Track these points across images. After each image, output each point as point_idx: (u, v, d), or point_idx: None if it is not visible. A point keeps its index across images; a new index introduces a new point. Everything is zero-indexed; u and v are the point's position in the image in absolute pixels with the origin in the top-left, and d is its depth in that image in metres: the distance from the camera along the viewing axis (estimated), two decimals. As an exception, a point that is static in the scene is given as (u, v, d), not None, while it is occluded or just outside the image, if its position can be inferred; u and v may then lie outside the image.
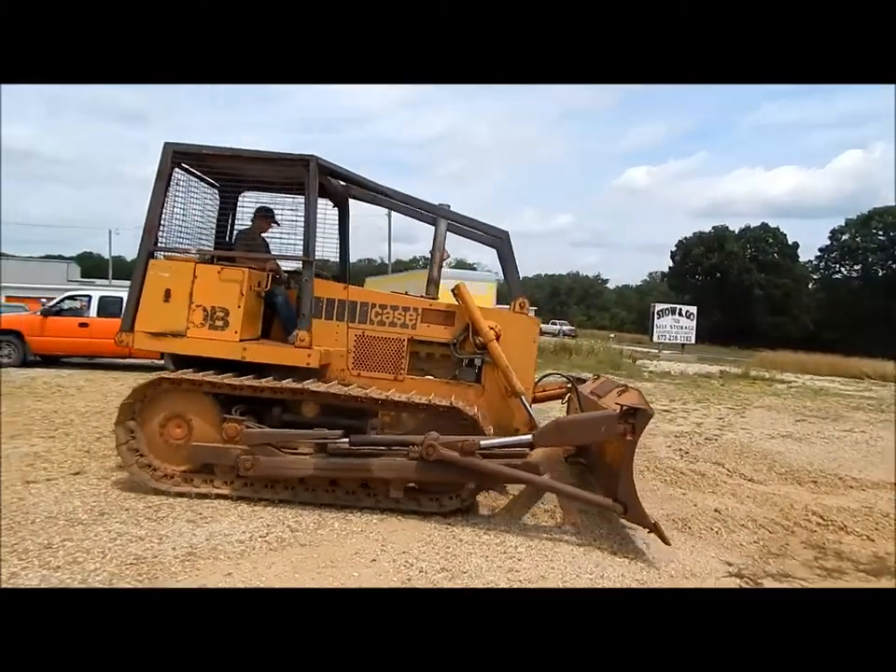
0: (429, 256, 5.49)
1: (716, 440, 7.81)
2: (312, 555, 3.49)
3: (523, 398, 4.84)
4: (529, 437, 4.26)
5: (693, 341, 31.68)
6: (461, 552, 3.68)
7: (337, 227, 5.64)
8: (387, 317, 4.96)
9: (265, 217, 5.18)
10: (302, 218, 4.74)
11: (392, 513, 4.25)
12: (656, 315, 30.65)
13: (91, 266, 60.50)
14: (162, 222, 4.72)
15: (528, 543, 3.89)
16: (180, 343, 4.51)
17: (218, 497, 4.26)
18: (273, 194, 5.22)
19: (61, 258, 64.18)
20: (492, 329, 4.88)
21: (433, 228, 5.34)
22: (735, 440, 8.01)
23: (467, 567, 3.45)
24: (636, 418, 3.81)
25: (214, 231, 5.23)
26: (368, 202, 5.42)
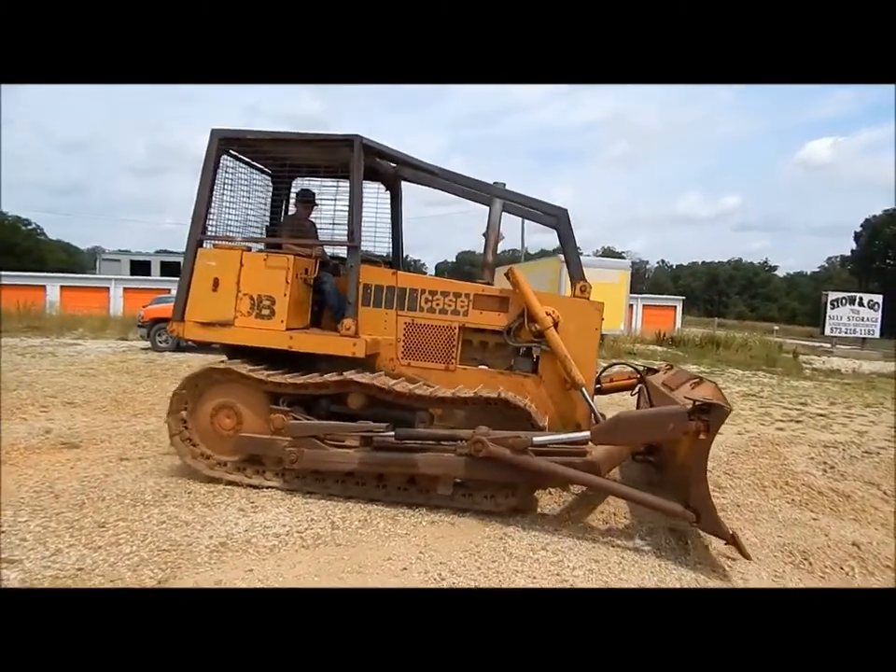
0: (484, 238, 5.04)
1: (878, 454, 6.40)
2: (342, 557, 3.28)
3: (583, 389, 4.40)
4: (587, 433, 3.83)
5: (878, 335, 27.17)
6: (507, 569, 3.25)
7: (389, 211, 5.46)
8: (437, 304, 4.68)
9: (304, 200, 5.08)
10: (344, 203, 4.57)
11: (447, 515, 3.94)
12: (829, 306, 26.67)
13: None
14: (211, 210, 4.74)
15: (591, 566, 3.34)
16: (228, 333, 4.51)
17: (270, 488, 4.21)
18: (323, 179, 5.09)
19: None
20: (549, 315, 4.47)
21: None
22: (908, 454, 6.54)
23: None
24: (710, 414, 3.35)
25: (263, 219, 5.22)
26: (419, 183, 5.12)
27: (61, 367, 10.15)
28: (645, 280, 76.75)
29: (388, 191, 5.45)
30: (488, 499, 3.99)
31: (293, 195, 5.32)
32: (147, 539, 3.32)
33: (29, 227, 53.94)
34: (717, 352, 18.39)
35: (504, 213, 4.88)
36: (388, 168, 5.12)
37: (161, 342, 13.10)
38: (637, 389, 5.43)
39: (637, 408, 5.47)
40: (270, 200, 5.36)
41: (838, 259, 65.00)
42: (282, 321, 4.42)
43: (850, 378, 14.88)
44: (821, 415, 8.94)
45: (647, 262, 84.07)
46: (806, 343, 27.01)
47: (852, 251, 54.18)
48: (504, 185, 4.92)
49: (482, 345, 4.77)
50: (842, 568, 3.58)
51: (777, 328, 34.17)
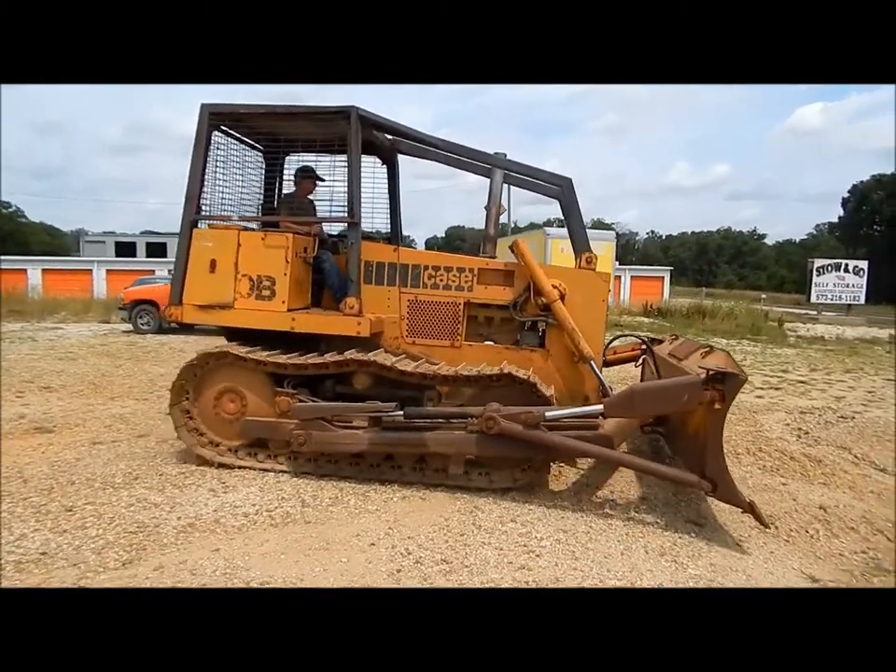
0: (486, 211, 4.98)
1: (853, 418, 6.48)
2: (310, 534, 3.29)
3: (592, 363, 4.35)
4: (600, 407, 3.80)
5: (863, 301, 27.32)
6: (475, 541, 3.27)
7: (387, 185, 5.34)
8: (441, 280, 4.60)
9: (307, 176, 4.94)
10: (342, 179, 4.46)
11: (419, 490, 3.95)
12: (815, 273, 26.70)
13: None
14: (204, 189, 4.62)
15: (558, 536, 3.38)
16: (228, 315, 4.41)
17: (282, 472, 4.18)
18: (318, 154, 4.95)
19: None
20: (556, 287, 4.40)
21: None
22: (881, 418, 6.61)
23: (471, 561, 3.04)
24: (724, 383, 3.32)
25: (258, 197, 5.12)
26: (416, 156, 5.02)
27: (40, 351, 10.05)
28: (635, 251, 76.56)
29: (385, 165, 5.31)
30: (504, 476, 4.00)
31: (287, 172, 5.16)
32: (113, 523, 3.31)
33: (9, 209, 52.99)
34: (703, 321, 18.46)
35: (505, 185, 4.79)
36: (385, 141, 4.98)
37: (142, 324, 13.00)
38: (641, 360, 5.41)
39: (642, 379, 5.46)
40: (263, 177, 5.20)
41: (826, 226, 65.01)
42: (283, 302, 4.34)
43: (833, 344, 15.00)
44: (801, 382, 9.02)
45: (636, 234, 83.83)
46: (793, 310, 27.20)
47: (840, 218, 54.19)
48: (505, 155, 4.80)
49: (487, 321, 4.71)
50: (807, 531, 3.64)
51: (764, 296, 34.24)
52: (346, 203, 4.40)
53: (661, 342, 5.19)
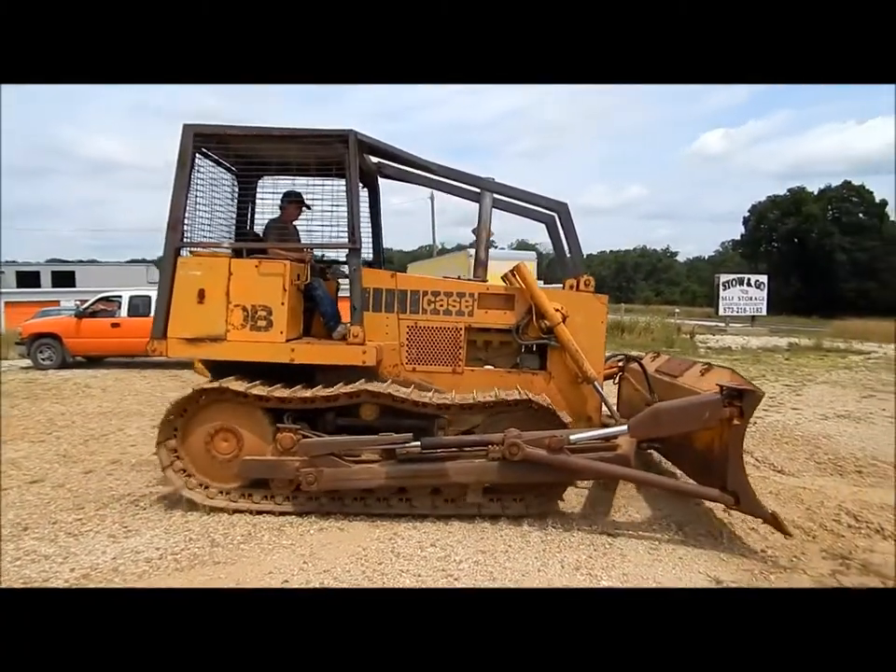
0: (474, 235, 4.95)
1: (754, 423, 6.90)
2: (219, 576, 3.12)
3: (596, 383, 4.39)
4: (625, 427, 3.79)
5: (765, 312, 29.33)
6: (393, 570, 3.21)
7: (368, 209, 5.23)
8: (441, 305, 4.49)
9: (295, 201, 4.72)
10: (330, 203, 4.33)
11: (337, 521, 3.85)
12: (722, 287, 28.48)
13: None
14: (187, 215, 4.29)
15: (477, 558, 3.37)
16: (220, 348, 4.14)
17: (282, 514, 3.95)
18: (293, 177, 4.79)
19: (143, 261, 67.39)
20: (558, 311, 4.41)
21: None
22: (779, 422, 7.09)
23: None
24: (742, 400, 3.45)
25: (236, 222, 4.80)
26: (402, 180, 4.93)
27: (-78, 394, 9.15)
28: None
29: (366, 188, 5.16)
30: (518, 502, 3.97)
31: (260, 196, 4.90)
32: (-5, 579, 3.03)
33: None
34: (622, 336, 19.24)
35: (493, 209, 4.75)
36: (370, 164, 4.88)
37: (43, 359, 12.11)
38: (618, 377, 5.48)
39: (619, 396, 5.52)
40: (237, 202, 4.91)
41: (731, 244, 69.52)
42: (281, 332, 4.14)
43: (739, 354, 15.99)
44: (710, 391, 9.51)
45: (541, 249, 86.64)
46: (704, 323, 28.77)
47: (742, 236, 58.09)
48: (493, 179, 4.78)
49: (485, 345, 4.64)
50: (712, 534, 3.80)
51: (678, 310, 36.13)
52: (346, 228, 4.25)
53: (637, 359, 5.21)
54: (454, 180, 4.75)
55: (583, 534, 3.75)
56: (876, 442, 6.22)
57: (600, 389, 4.40)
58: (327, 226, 4.35)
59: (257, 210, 4.94)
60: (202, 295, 4.12)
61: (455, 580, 3.11)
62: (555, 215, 4.71)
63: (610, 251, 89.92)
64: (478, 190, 4.75)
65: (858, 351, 16.75)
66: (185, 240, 4.25)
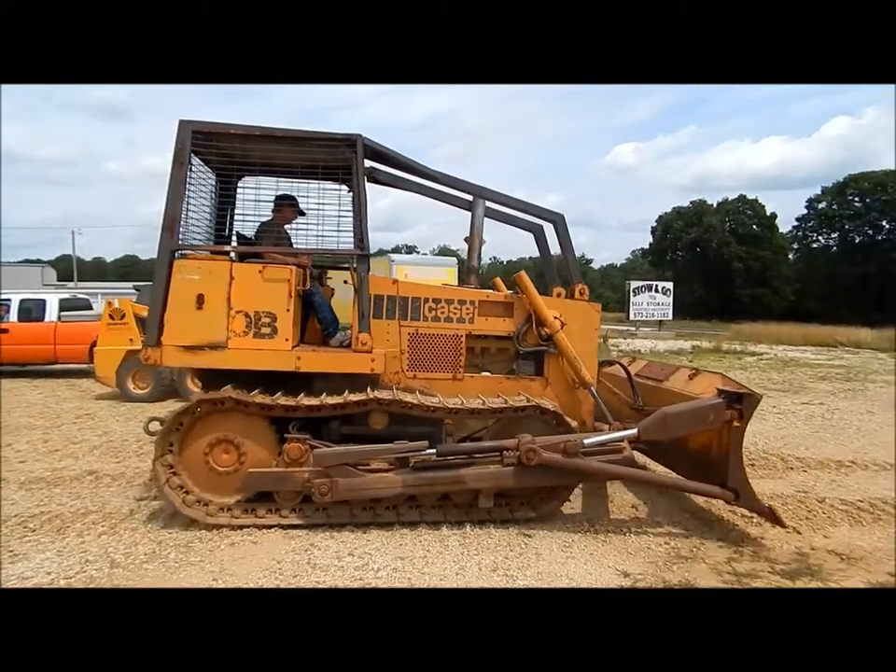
0: (466, 243, 4.92)
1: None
2: (119, 599, 2.94)
3: (591, 388, 4.49)
4: (635, 431, 3.93)
5: (671, 317, 31.27)
6: (309, 582, 3.14)
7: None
8: (442, 312, 4.46)
9: (290, 205, 4.53)
10: (321, 206, 4.20)
11: (249, 534, 3.71)
12: (632, 293, 30.13)
13: (68, 268, 58.68)
14: (184, 216, 4.03)
15: (395, 564, 3.35)
16: (221, 357, 3.93)
17: (290, 527, 3.82)
18: (278, 178, 4.59)
19: (39, 261, 62.26)
20: (556, 318, 4.48)
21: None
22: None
23: (303, 602, 2.91)
24: (742, 403, 3.72)
25: (236, 223, 4.58)
26: (394, 186, 4.75)
27: None
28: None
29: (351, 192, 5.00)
30: (525, 506, 4.04)
31: (244, 197, 4.59)
32: None
33: None
34: (539, 341, 19.81)
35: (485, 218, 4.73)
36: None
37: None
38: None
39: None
40: (232, 204, 4.62)
41: (640, 252, 73.29)
42: (286, 339, 3.97)
43: (649, 356, 16.83)
44: (621, 392, 9.97)
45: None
46: (617, 327, 30.14)
47: (650, 244, 61.46)
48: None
49: (482, 351, 4.64)
50: (620, 530, 3.98)
51: (592, 315, 37.74)
52: (353, 233, 4.14)
53: (617, 362, 5.31)
54: (449, 187, 4.74)
55: (501, 535, 3.82)
56: (766, 436, 6.75)
57: (595, 394, 4.55)
58: (330, 230, 4.23)
59: (239, 210, 4.70)
60: (201, 300, 3.92)
61: (374, 587, 3.07)
62: (552, 224, 4.78)
63: (530, 258, 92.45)
64: (471, 198, 4.77)
65: (752, 353, 18.10)
66: (180, 242, 4.01)
